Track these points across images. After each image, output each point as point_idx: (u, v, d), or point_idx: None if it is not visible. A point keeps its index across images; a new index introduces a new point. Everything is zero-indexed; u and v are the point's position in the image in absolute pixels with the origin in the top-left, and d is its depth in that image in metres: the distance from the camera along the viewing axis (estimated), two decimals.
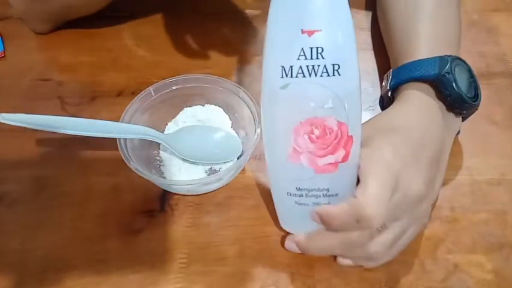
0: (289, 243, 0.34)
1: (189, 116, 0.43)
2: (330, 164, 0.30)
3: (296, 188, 0.31)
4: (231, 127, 0.43)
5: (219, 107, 0.43)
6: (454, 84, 0.35)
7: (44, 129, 0.37)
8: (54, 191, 0.39)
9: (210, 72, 0.42)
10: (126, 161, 0.36)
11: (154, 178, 0.37)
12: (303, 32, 0.27)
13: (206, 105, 0.43)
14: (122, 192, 0.39)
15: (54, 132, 0.38)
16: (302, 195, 0.31)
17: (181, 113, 0.43)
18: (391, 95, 0.40)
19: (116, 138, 0.37)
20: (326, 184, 0.31)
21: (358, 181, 0.31)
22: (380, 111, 0.44)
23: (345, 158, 0.30)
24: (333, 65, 0.28)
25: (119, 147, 0.37)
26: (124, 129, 0.38)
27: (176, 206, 0.39)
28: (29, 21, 0.51)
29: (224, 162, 0.41)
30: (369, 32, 0.52)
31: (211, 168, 0.41)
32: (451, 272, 0.35)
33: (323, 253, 0.34)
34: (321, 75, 0.28)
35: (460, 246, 0.36)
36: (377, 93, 0.46)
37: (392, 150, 0.31)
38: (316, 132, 0.29)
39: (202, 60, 0.49)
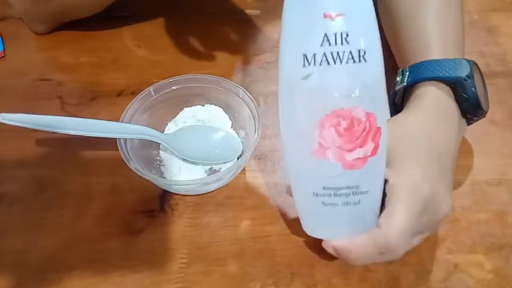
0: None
1: (189, 116, 0.43)
2: (359, 158, 0.27)
3: (323, 187, 0.29)
4: (231, 127, 0.43)
5: (219, 107, 0.43)
6: (473, 89, 0.35)
7: (44, 129, 0.37)
8: (54, 191, 0.39)
9: (210, 72, 0.42)
10: (126, 161, 0.36)
11: (154, 178, 0.37)
12: (325, 16, 0.25)
13: (206, 105, 0.43)
14: (122, 192, 0.39)
15: (54, 132, 0.38)
16: (330, 195, 0.29)
17: (181, 113, 0.43)
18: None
19: (116, 138, 0.37)
20: (355, 181, 0.28)
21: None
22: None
23: (374, 151, 0.28)
24: (359, 50, 0.26)
25: (119, 147, 0.37)
26: (124, 129, 0.38)
27: (177, 206, 0.39)
28: (28, 22, 0.51)
29: (224, 162, 0.41)
30: None
31: (211, 168, 0.41)
32: (451, 272, 0.35)
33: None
34: (347, 62, 0.26)
35: (460, 246, 0.36)
36: None
37: (421, 171, 0.30)
38: (344, 124, 0.27)
39: (202, 60, 0.49)
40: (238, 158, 0.40)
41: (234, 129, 0.43)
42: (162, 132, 0.42)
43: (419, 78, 0.37)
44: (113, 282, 0.34)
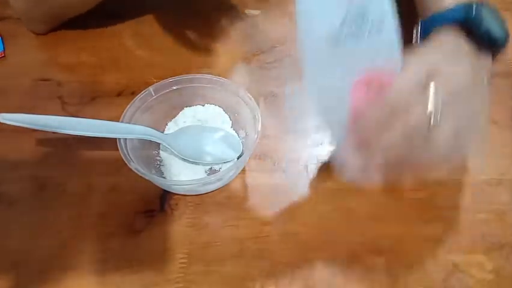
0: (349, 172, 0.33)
1: (189, 116, 0.43)
2: None
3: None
4: (231, 127, 0.43)
5: (219, 107, 0.43)
6: (482, 21, 0.35)
7: (44, 129, 0.37)
8: (54, 191, 0.39)
9: (210, 72, 0.42)
10: (126, 161, 0.36)
11: (154, 178, 0.37)
12: None
13: (206, 105, 0.43)
14: (122, 192, 0.39)
15: (55, 132, 0.38)
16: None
17: (181, 113, 0.43)
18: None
19: (116, 138, 0.37)
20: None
21: None
22: None
23: None
24: (377, 20, 0.29)
25: (119, 147, 0.37)
26: (124, 129, 0.38)
27: (176, 206, 0.39)
28: (28, 22, 0.51)
29: (224, 162, 0.41)
30: None
31: (211, 168, 0.41)
32: (451, 272, 0.35)
33: (388, 159, 0.32)
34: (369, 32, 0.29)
35: (460, 246, 0.36)
36: None
37: (436, 53, 0.33)
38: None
39: (202, 60, 0.49)
40: (238, 158, 0.40)
41: (234, 129, 0.43)
42: (162, 132, 0.42)
43: (429, 30, 0.37)
44: (113, 282, 0.35)
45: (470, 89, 0.33)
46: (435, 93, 0.30)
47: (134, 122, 0.40)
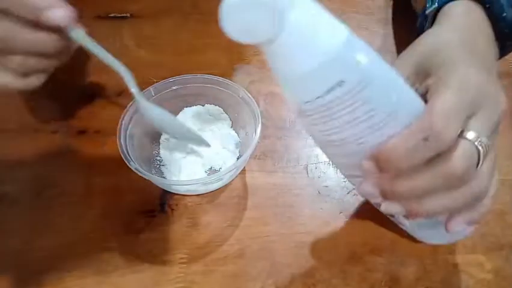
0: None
1: (189, 116, 0.43)
2: None
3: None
4: (231, 127, 0.43)
5: (219, 107, 0.43)
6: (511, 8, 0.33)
7: None
8: (54, 191, 0.39)
9: (210, 72, 0.42)
10: (126, 161, 0.36)
11: (154, 178, 0.37)
12: None
13: (206, 105, 0.44)
14: (122, 192, 0.39)
15: (55, 133, 0.38)
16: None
17: (181, 113, 0.43)
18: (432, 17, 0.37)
19: (116, 139, 0.37)
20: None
21: None
22: None
23: None
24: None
25: (119, 147, 0.37)
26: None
27: (176, 206, 0.39)
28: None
29: (224, 162, 0.41)
30: (370, 32, 0.52)
31: (211, 168, 0.41)
32: (451, 272, 0.35)
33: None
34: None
35: (460, 246, 0.36)
36: None
37: (472, 68, 0.28)
38: None
39: (202, 60, 0.49)
40: (238, 158, 0.40)
41: (234, 129, 0.43)
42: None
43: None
44: (113, 282, 0.35)
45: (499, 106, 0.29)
46: (480, 130, 0.27)
47: (135, 123, 0.40)
